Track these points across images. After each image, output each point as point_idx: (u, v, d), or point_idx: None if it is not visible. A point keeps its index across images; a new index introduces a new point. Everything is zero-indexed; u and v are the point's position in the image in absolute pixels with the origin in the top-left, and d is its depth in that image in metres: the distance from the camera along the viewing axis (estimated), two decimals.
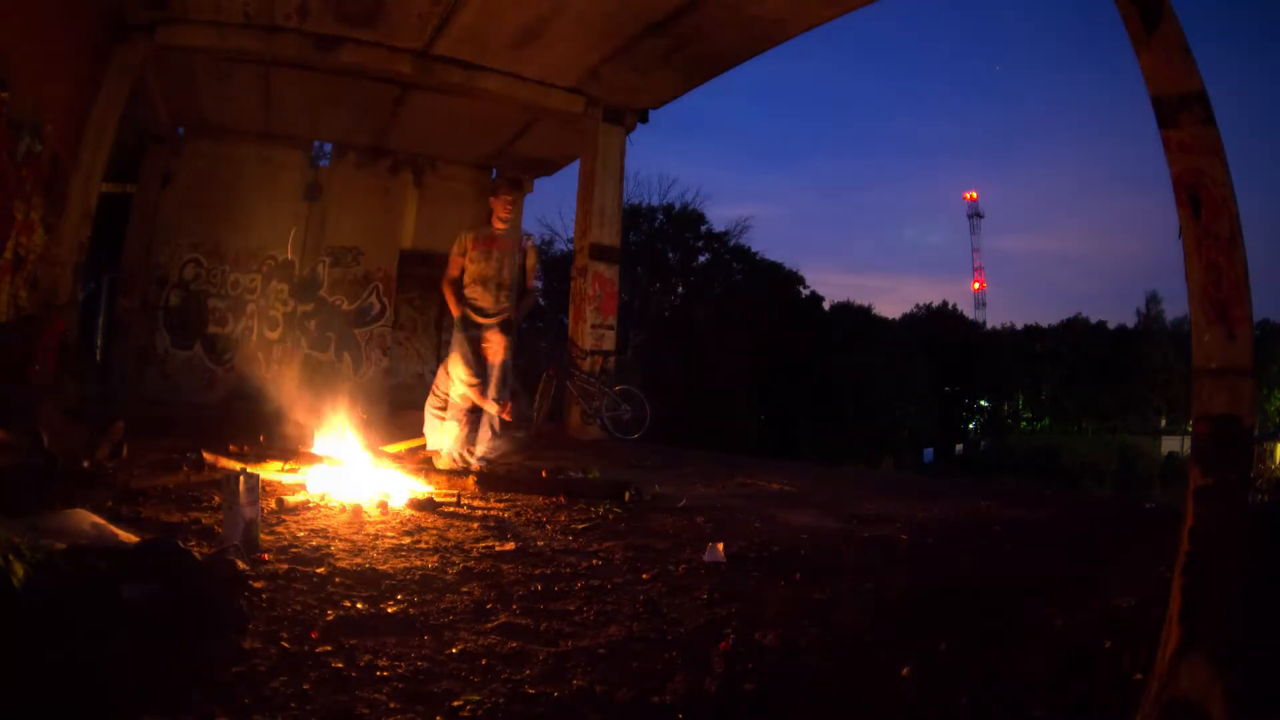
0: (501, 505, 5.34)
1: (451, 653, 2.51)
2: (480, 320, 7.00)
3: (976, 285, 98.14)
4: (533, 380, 11.97)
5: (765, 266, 51.59)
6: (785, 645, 2.71)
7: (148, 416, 8.56)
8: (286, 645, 2.47)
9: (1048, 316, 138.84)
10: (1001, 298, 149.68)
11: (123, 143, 10.93)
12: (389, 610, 2.88)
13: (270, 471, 5.86)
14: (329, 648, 2.47)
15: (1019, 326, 74.21)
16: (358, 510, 4.63)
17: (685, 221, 48.17)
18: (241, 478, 3.61)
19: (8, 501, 3.72)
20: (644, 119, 12.41)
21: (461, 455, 6.91)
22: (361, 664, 2.36)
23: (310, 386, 14.69)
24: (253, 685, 2.18)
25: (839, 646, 2.71)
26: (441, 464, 6.79)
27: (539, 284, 14.05)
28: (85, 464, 5.57)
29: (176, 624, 2.48)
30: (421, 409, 7.49)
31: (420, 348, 19.74)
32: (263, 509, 4.03)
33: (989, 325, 72.82)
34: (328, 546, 3.77)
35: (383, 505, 4.79)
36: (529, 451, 9.05)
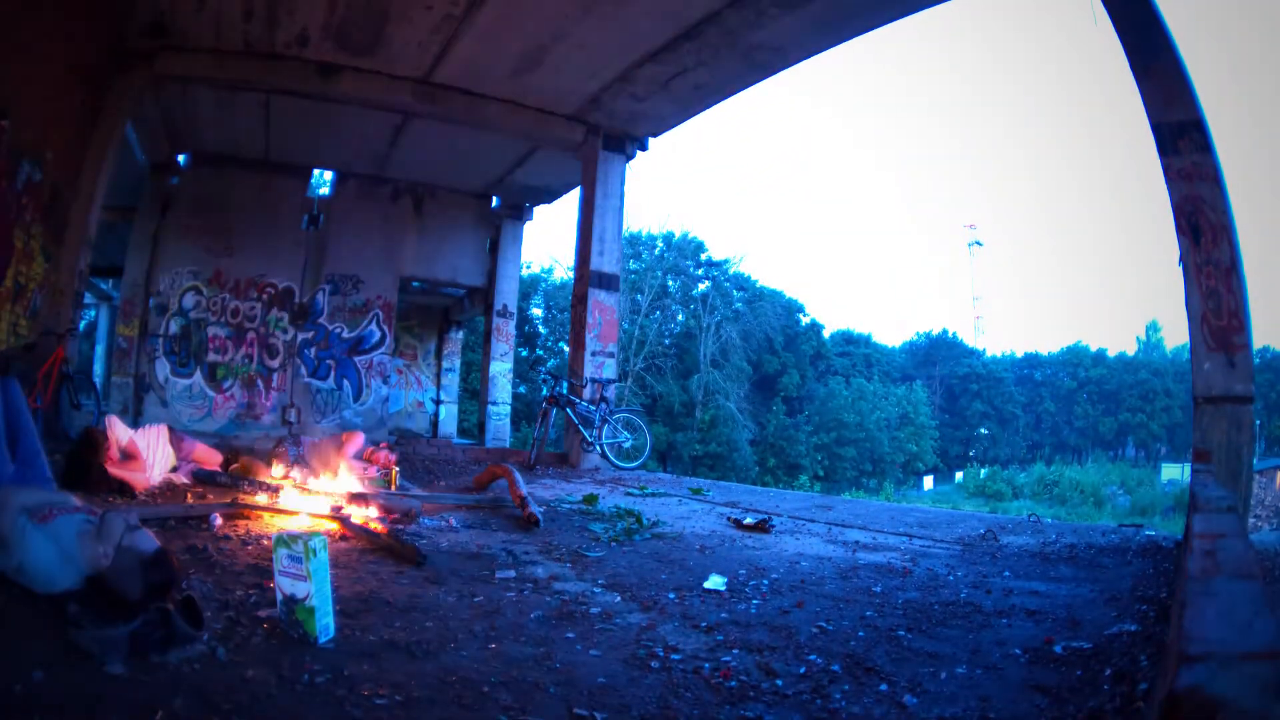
0: (500, 535, 5.33)
1: (451, 680, 2.50)
2: None
3: (976, 313, 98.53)
4: (534, 409, 11.96)
5: (765, 294, 51.79)
6: (787, 672, 2.70)
7: None
8: (285, 673, 2.45)
9: (1048, 343, 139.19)
10: (1001, 324, 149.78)
11: (123, 170, 10.98)
12: (389, 638, 2.87)
13: (264, 498, 5.85)
14: (329, 676, 2.46)
15: (1019, 353, 74.46)
16: (354, 539, 4.61)
17: (685, 249, 48.43)
18: (281, 546, 2.91)
19: None
20: (644, 147, 12.48)
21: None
22: (362, 693, 2.35)
23: (310, 414, 14.74)
24: (251, 713, 2.16)
25: (841, 673, 2.70)
26: None
27: None
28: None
29: None
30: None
31: (420, 375, 19.77)
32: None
33: (989, 352, 72.98)
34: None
35: (383, 531, 4.77)
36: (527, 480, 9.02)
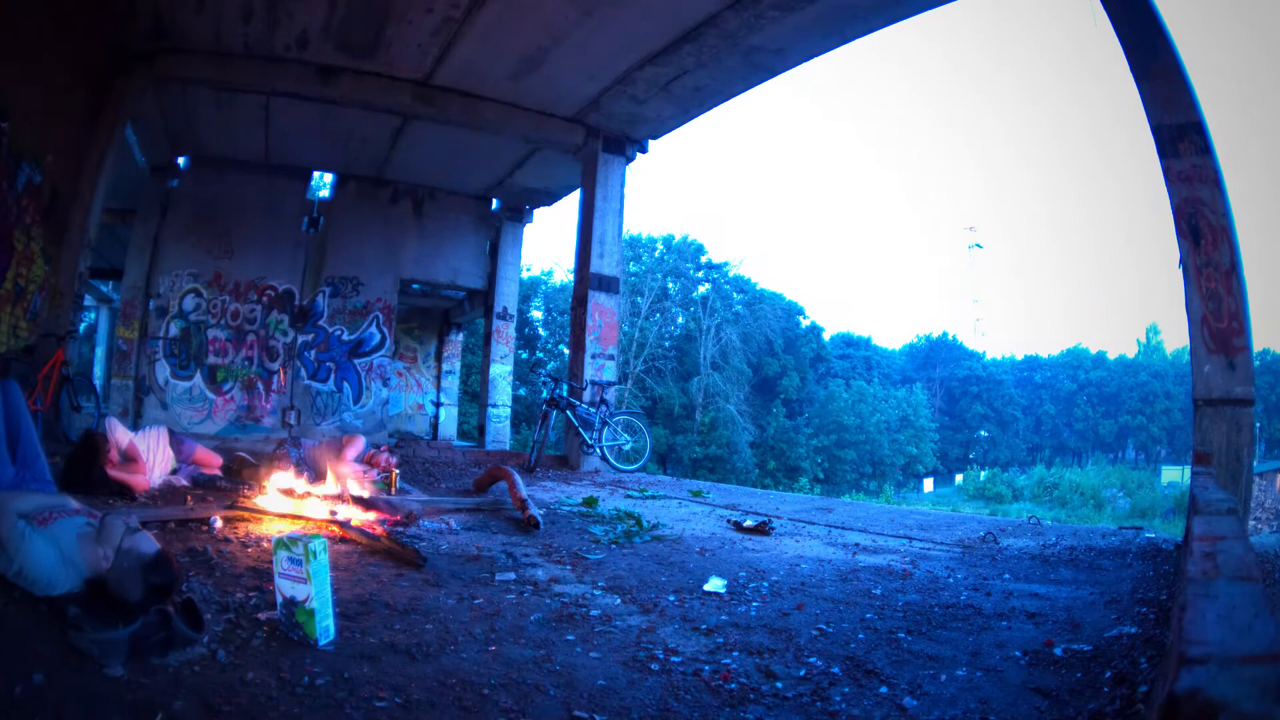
0: (500, 538, 5.33)
1: (451, 683, 2.49)
2: None
3: (976, 315, 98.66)
4: (534, 411, 11.93)
5: (766, 296, 51.77)
6: (787, 674, 2.70)
7: None
8: (285, 676, 2.45)
9: (1048, 346, 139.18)
10: (1002, 326, 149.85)
11: (123, 172, 10.97)
12: (389, 640, 2.87)
13: (267, 502, 5.84)
14: (329, 678, 2.46)
15: (1019, 356, 74.49)
16: (354, 541, 4.61)
17: (685, 252, 48.45)
18: (281, 549, 2.94)
19: None
20: (644, 149, 12.46)
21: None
22: (362, 695, 2.35)
23: (310, 417, 14.73)
24: (251, 715, 2.16)
25: (841, 675, 2.69)
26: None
27: None
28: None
29: None
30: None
31: (420, 378, 19.76)
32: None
33: (989, 354, 72.95)
34: None
35: (383, 534, 4.76)
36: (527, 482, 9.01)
